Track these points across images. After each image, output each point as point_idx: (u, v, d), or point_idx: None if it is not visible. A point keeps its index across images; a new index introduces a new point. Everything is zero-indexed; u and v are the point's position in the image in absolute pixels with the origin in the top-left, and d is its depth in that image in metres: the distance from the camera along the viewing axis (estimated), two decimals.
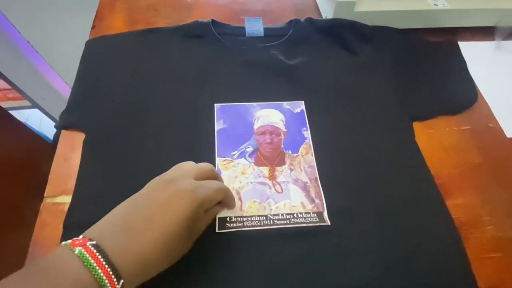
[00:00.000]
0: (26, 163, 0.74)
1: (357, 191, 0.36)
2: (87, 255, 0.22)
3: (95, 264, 0.21)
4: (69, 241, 0.23)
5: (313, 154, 0.38)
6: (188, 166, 0.30)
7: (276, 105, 0.42)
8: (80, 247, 0.22)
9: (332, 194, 0.35)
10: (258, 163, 0.38)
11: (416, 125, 0.42)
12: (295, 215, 0.34)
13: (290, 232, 0.33)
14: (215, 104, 0.42)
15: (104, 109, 0.41)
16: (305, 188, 0.36)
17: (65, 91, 0.88)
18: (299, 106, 0.42)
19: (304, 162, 0.38)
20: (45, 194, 0.35)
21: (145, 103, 0.41)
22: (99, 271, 0.21)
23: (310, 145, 0.39)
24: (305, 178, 0.37)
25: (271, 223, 0.33)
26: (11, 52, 0.75)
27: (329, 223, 0.33)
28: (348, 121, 0.41)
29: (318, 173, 0.37)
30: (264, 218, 0.33)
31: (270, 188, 0.36)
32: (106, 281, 0.21)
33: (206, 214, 0.29)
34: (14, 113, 0.81)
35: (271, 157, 0.38)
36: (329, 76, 0.45)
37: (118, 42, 0.48)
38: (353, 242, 0.32)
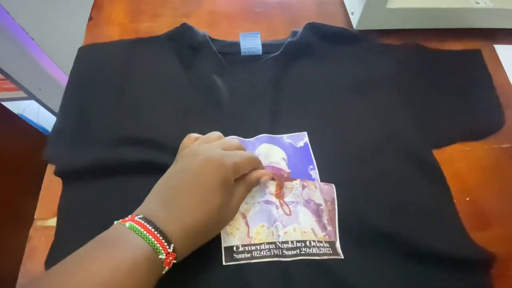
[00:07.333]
0: (20, 157, 0.70)
1: (374, 223, 0.31)
2: (137, 226, 0.24)
3: (145, 232, 0.24)
4: (120, 220, 0.25)
5: None
6: (215, 137, 0.32)
7: (275, 139, 0.36)
8: (130, 221, 0.24)
9: (346, 222, 0.31)
10: None
11: None
12: (307, 243, 0.30)
13: (301, 265, 0.29)
14: None
15: (86, 144, 0.36)
16: (317, 212, 0.32)
17: (63, 81, 0.83)
18: (302, 139, 0.36)
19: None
20: (35, 216, 0.31)
21: (129, 131, 0.36)
22: (150, 237, 0.24)
23: None
24: (319, 199, 0.32)
25: (281, 253, 0.29)
26: (4, 40, 0.70)
27: (343, 257, 0.30)
28: (362, 154, 0.35)
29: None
30: (274, 247, 0.30)
31: (277, 208, 0.32)
32: (158, 245, 0.24)
33: (242, 183, 0.30)
34: (9, 104, 0.77)
35: (279, 174, 0.34)
36: (334, 98, 0.39)
37: (108, 53, 0.42)
38: (368, 279, 0.29)
